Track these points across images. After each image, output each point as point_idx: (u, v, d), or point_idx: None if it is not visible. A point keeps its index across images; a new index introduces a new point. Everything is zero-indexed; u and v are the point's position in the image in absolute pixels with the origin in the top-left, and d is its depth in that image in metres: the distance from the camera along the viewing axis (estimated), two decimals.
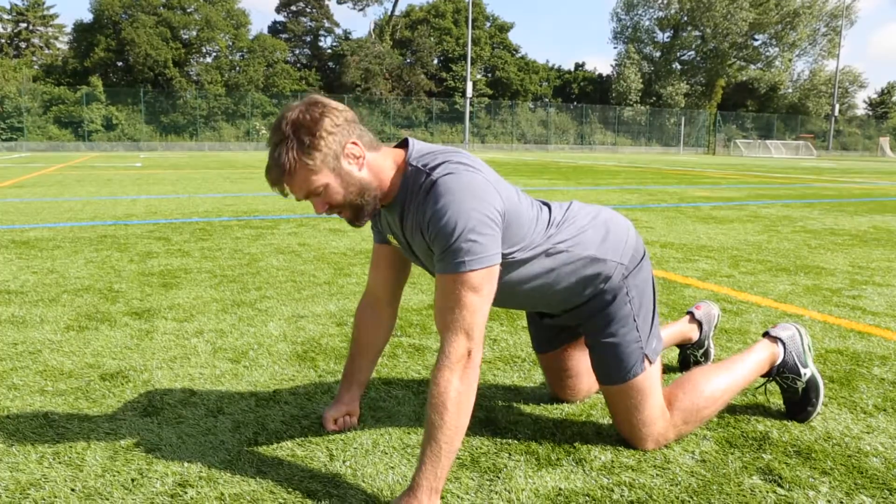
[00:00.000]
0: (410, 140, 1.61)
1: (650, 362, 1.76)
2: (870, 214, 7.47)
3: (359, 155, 1.52)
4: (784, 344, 1.97)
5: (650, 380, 1.76)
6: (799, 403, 1.96)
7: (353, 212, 1.56)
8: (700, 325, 2.38)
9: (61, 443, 1.79)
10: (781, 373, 1.95)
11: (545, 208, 1.73)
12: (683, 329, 2.35)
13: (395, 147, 1.62)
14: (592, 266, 1.71)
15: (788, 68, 56.58)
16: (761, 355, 1.94)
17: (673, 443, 1.82)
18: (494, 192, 1.51)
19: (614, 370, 1.76)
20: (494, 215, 1.48)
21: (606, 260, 1.72)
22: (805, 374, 1.94)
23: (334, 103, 1.52)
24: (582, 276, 1.72)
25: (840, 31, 51.63)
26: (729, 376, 1.87)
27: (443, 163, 1.51)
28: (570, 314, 1.82)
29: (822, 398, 1.96)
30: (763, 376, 1.98)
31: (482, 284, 1.46)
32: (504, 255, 1.58)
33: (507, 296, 1.71)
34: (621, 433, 1.82)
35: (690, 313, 2.40)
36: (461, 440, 1.46)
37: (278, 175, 1.49)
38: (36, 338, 2.68)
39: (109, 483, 1.59)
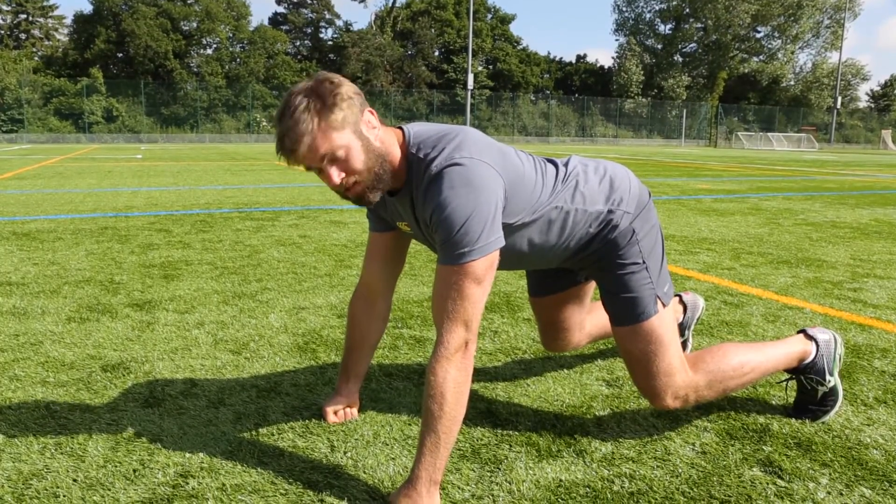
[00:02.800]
0: (405, 126, 1.58)
1: (664, 305, 1.73)
2: (871, 207, 7.45)
3: (375, 126, 1.50)
4: (818, 345, 1.91)
5: (665, 325, 1.72)
6: (813, 406, 1.91)
7: (370, 183, 1.49)
8: (685, 308, 2.37)
9: (63, 434, 1.80)
10: (807, 373, 1.89)
11: (550, 166, 1.72)
12: None
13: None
14: (600, 219, 1.70)
15: (791, 61, 56.40)
16: (794, 348, 1.89)
17: (675, 435, 1.82)
18: (495, 175, 1.49)
19: (627, 311, 1.72)
20: (495, 201, 1.47)
21: (614, 211, 1.71)
22: (829, 382, 1.89)
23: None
24: (589, 230, 1.71)
25: (843, 23, 51.42)
26: (759, 355, 1.83)
27: (442, 152, 1.48)
28: (577, 261, 1.79)
29: (837, 408, 1.91)
30: (789, 372, 1.93)
31: (484, 274, 1.46)
32: (510, 224, 1.58)
33: (513, 259, 1.70)
34: (639, 387, 1.76)
35: (678, 296, 2.40)
36: (458, 430, 1.46)
37: (297, 136, 1.39)
38: (37, 329, 2.68)
39: (111, 473, 1.60)
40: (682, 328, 2.38)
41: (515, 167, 1.58)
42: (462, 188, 1.43)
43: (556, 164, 1.74)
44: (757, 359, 1.82)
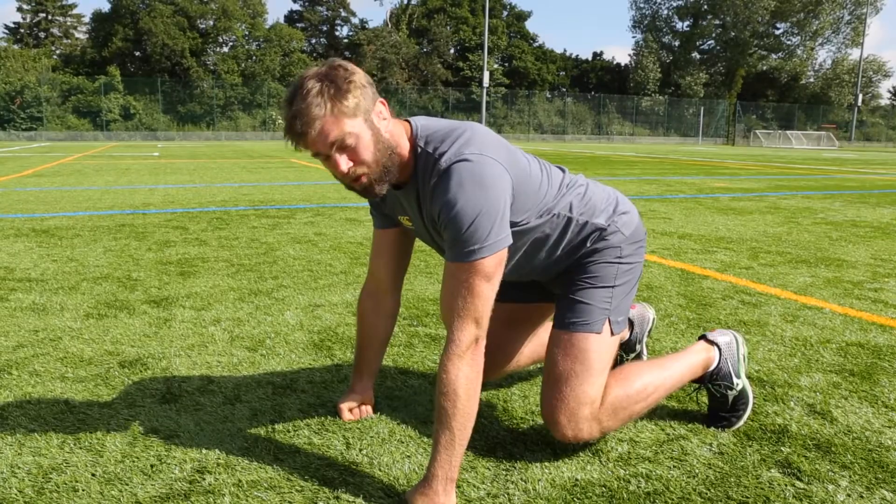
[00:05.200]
0: (412, 119, 1.57)
1: (611, 332, 1.68)
2: (892, 206, 7.35)
3: (386, 117, 1.49)
4: (720, 350, 1.86)
5: (602, 351, 1.66)
6: (725, 413, 1.86)
7: (378, 175, 1.47)
8: (631, 324, 2.26)
9: (82, 429, 1.82)
10: (714, 380, 1.84)
11: (555, 168, 1.72)
12: None
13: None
14: (596, 232, 1.70)
15: (810, 57, 55.74)
16: (697, 357, 1.84)
17: (692, 436, 1.80)
18: (503, 172, 1.47)
19: (574, 315, 1.67)
20: (504, 199, 1.46)
21: (611, 227, 1.71)
22: (737, 385, 1.84)
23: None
24: (583, 240, 1.70)
25: (864, 18, 50.72)
26: (662, 374, 1.75)
27: (451, 147, 1.47)
28: (559, 269, 1.76)
29: (749, 411, 1.86)
30: (695, 382, 1.86)
31: (494, 272, 1.45)
32: (516, 223, 1.57)
33: (512, 265, 1.68)
34: (546, 407, 1.65)
35: None
36: (472, 428, 1.46)
37: (308, 119, 1.36)
38: (56, 325, 2.71)
39: (129, 469, 1.61)
40: (633, 342, 2.27)
41: (522, 166, 1.58)
42: (471, 185, 1.42)
43: (562, 169, 1.74)
44: (660, 377, 1.75)
